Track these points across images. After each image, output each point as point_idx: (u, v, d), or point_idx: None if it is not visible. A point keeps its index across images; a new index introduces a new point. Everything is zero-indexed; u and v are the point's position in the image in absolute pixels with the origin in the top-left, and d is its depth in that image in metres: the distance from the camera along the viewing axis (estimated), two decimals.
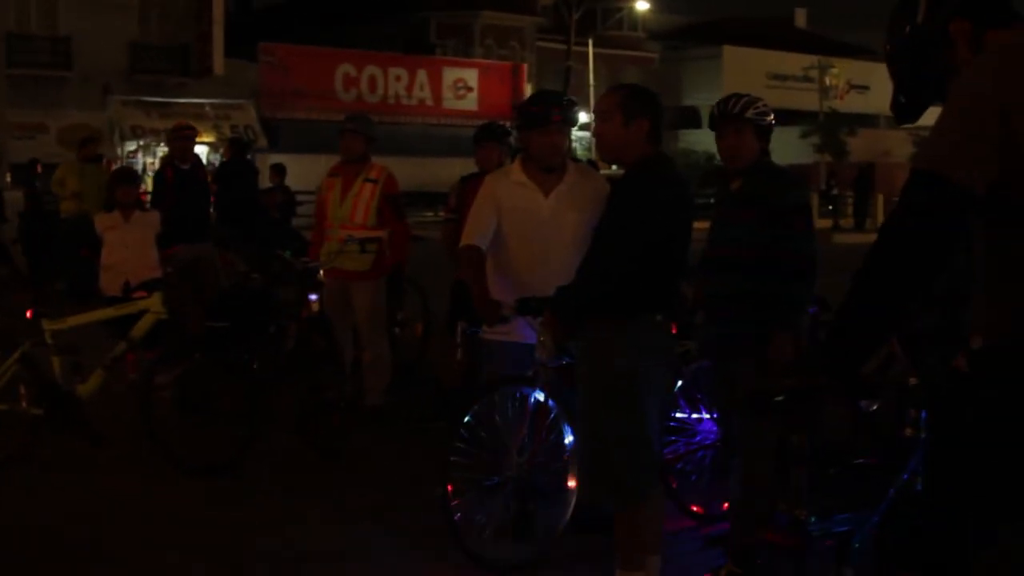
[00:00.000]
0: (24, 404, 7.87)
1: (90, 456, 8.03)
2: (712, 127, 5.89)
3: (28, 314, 8.05)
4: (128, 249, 9.96)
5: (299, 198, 22.26)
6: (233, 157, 15.58)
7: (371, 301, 9.24)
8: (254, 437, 7.71)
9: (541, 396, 5.89)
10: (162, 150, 40.43)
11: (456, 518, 5.87)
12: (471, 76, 51.51)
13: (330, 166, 9.72)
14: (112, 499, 7.27)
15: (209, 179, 14.01)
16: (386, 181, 9.22)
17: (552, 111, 6.18)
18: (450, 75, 50.88)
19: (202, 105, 42.10)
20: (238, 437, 7.73)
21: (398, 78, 48.98)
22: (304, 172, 27.28)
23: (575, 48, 53.54)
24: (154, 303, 8.14)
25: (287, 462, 8.05)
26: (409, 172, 26.55)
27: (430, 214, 37.55)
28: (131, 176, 10.79)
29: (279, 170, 20.74)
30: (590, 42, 52.71)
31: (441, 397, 8.93)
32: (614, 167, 6.03)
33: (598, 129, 5.54)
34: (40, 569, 6.19)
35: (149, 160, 40.06)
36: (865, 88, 60.66)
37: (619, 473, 5.26)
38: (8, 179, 31.23)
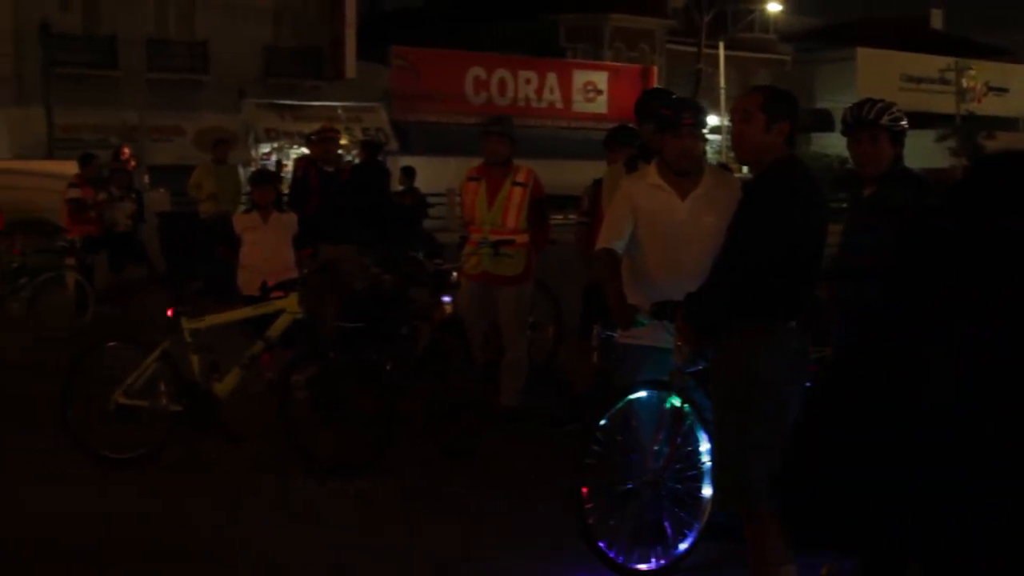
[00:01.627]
0: (163, 401, 8.02)
1: (225, 453, 8.16)
2: (845, 132, 5.79)
3: (168, 313, 8.20)
4: (266, 249, 10.09)
5: (429, 200, 22.43)
6: (367, 159, 15.71)
7: (518, 304, 9.26)
8: (387, 438, 7.75)
9: (677, 401, 5.83)
10: (295, 152, 41.08)
11: (589, 522, 5.84)
12: (601, 79, 51.38)
13: (465, 169, 9.75)
14: (246, 495, 7.37)
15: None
16: (535, 184, 9.25)
17: (683, 115, 6.12)
18: (580, 78, 50.80)
19: (334, 108, 42.60)
20: (371, 437, 7.78)
21: (528, 81, 49.04)
22: (434, 175, 27.49)
23: (705, 51, 53.16)
24: (291, 303, 8.23)
25: (418, 462, 8.08)
26: (539, 175, 26.56)
27: (559, 217, 37.46)
28: (269, 177, 10.93)
29: (408, 173, 20.91)
30: (721, 45, 52.29)
31: (572, 400, 8.91)
32: (745, 169, 5.96)
33: (737, 130, 5.47)
34: (187, 555, 6.32)
35: (283, 162, 40.70)
36: (1004, 91, 59.33)
37: (752, 481, 5.17)
38: (147, 180, 31.93)
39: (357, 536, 6.71)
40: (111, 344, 8.32)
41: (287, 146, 40.84)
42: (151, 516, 6.96)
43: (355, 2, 45.40)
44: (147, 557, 6.32)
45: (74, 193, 15.83)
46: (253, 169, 35.11)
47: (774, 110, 5.28)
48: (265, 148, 41.04)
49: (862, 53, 58.78)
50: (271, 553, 6.40)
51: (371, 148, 17.09)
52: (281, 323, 8.21)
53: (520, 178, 9.22)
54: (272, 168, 31.07)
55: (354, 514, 7.09)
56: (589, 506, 5.85)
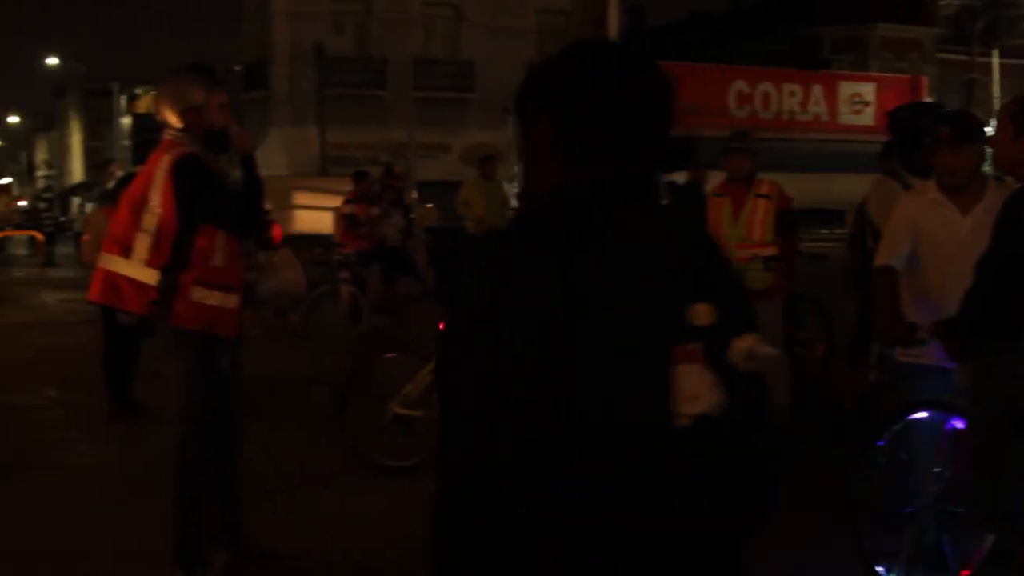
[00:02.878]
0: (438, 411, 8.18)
1: None
2: None
3: (441, 326, 8.36)
4: None
5: None
6: None
7: (771, 320, 9.13)
8: None
9: (960, 424, 5.64)
10: None
11: (866, 545, 5.71)
12: (868, 90, 50.24)
13: (714, 185, 9.70)
14: None
15: None
16: (779, 196, 9.12)
17: (940, 129, 5.92)
18: (846, 90, 49.81)
19: None
20: None
21: (792, 94, 48.35)
22: None
23: (978, 59, 51.35)
24: None
25: None
26: (803, 188, 26.11)
27: (824, 231, 36.83)
28: None
29: (671, 187, 20.85)
30: (994, 52, 50.43)
31: (841, 420, 8.72)
32: None
33: (990, 140, 5.30)
34: None
35: None
36: None
37: (1013, 506, 4.98)
38: (415, 196, 32.77)
39: None
40: (388, 355, 8.54)
41: None
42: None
43: (618, 18, 45.58)
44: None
45: (349, 209, 16.39)
46: (518, 186, 35.68)
47: (1022, 120, 5.07)
48: None
49: None
50: None
51: None
52: None
53: (764, 190, 9.10)
54: None
55: None
56: (865, 528, 5.72)
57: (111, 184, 16.72)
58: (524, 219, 2.27)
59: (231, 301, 5.73)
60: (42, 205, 73.82)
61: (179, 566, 5.78)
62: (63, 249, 39.03)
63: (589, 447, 2.02)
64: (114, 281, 5.57)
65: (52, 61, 68.49)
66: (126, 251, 5.56)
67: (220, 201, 5.69)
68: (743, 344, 2.10)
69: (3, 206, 52.47)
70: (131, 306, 5.59)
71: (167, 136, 5.77)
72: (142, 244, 5.53)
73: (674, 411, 2.00)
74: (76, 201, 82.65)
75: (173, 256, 5.54)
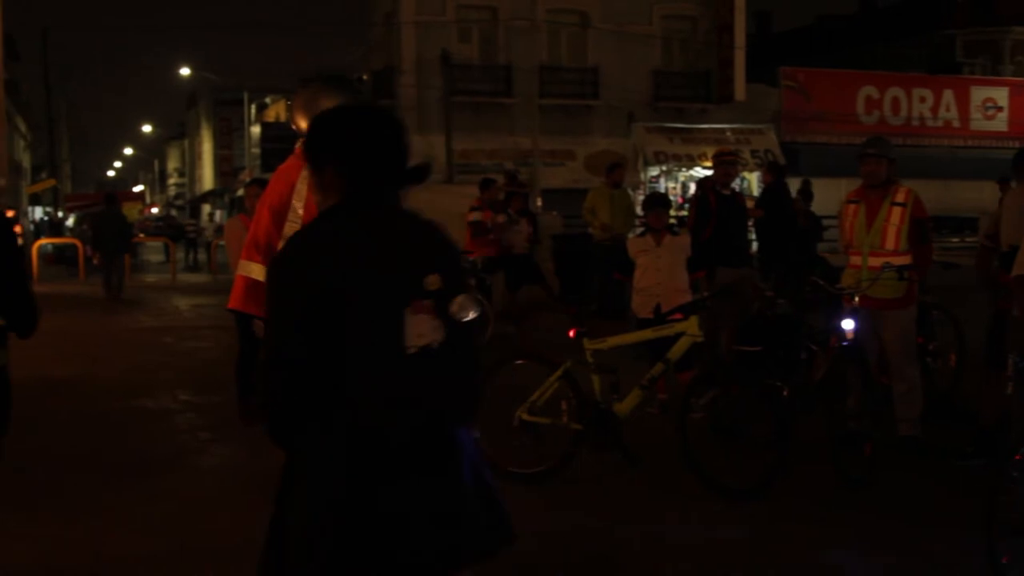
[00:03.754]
0: (565, 419, 8.22)
1: (622, 472, 8.30)
2: None
3: (571, 333, 8.40)
4: (660, 272, 10.20)
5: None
6: (774, 181, 15.54)
7: (903, 329, 9.00)
8: (782, 463, 7.67)
9: None
10: (683, 175, 41.32)
11: (1004, 561, 5.60)
12: (1001, 95, 49.09)
13: (848, 191, 9.55)
14: (635, 514, 7.46)
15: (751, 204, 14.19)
16: (915, 204, 8.96)
17: None
18: (978, 95, 48.69)
19: (723, 130, 42.61)
20: (766, 462, 7.72)
21: (922, 99, 47.43)
22: (824, 196, 26.94)
23: None
24: (691, 326, 8.26)
25: (811, 489, 7.97)
26: (934, 196, 25.68)
27: (955, 240, 36.17)
28: (662, 200, 11.01)
29: (806, 195, 20.68)
30: None
31: (979, 433, 8.54)
32: None
33: None
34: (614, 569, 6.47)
35: (671, 185, 41.00)
36: None
37: None
38: (539, 203, 32.85)
39: (748, 555, 6.68)
40: (519, 362, 8.57)
41: (675, 169, 41.13)
42: (561, 531, 7.14)
43: (744, 24, 45.29)
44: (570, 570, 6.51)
45: (475, 216, 16.48)
46: (642, 192, 35.61)
47: None
48: (654, 171, 41.46)
49: None
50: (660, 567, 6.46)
51: (778, 169, 16.96)
52: (681, 345, 8.26)
53: (899, 198, 8.95)
54: (663, 191, 31.35)
55: (745, 537, 7.03)
56: (1000, 544, 5.61)
57: (241, 192, 16.99)
58: (320, 217, 3.47)
59: None
60: (175, 212, 75.39)
61: None
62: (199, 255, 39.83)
63: (361, 357, 3.27)
64: (256, 289, 5.66)
65: (184, 72, 69.82)
66: (267, 259, 5.65)
67: None
68: (457, 301, 3.35)
69: (136, 213, 53.72)
70: None
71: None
72: None
73: (406, 343, 3.28)
74: (206, 208, 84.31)
75: None
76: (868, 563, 6.60)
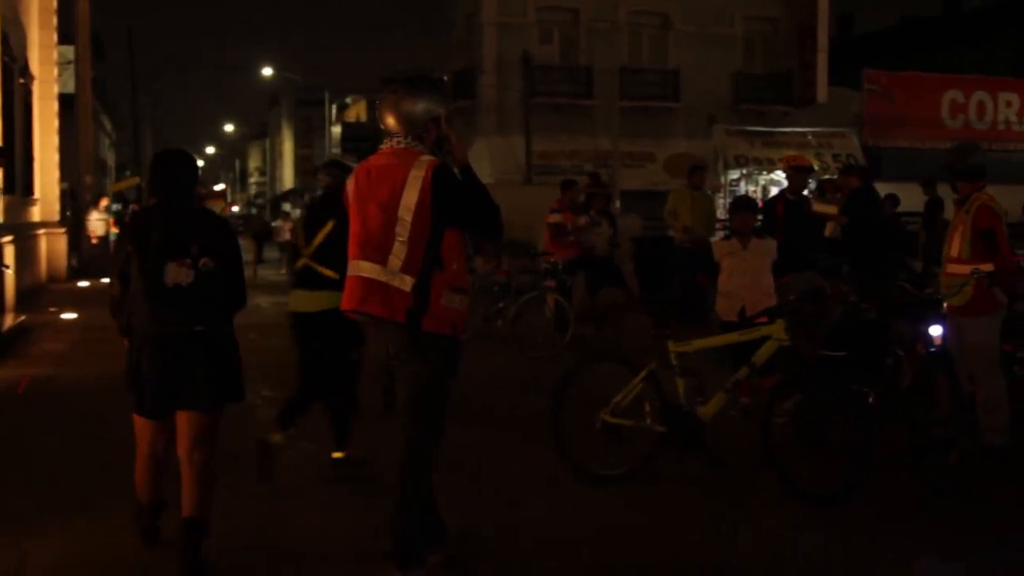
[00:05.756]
0: (648, 421, 8.20)
1: (704, 475, 8.27)
2: None
3: (655, 336, 8.37)
4: (745, 276, 10.15)
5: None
6: (863, 186, 15.36)
7: (983, 337, 8.89)
8: (865, 469, 7.60)
9: None
10: (764, 179, 41.02)
11: None
12: None
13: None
14: (721, 516, 7.42)
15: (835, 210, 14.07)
16: (976, 213, 8.87)
17: None
18: None
19: (804, 134, 42.27)
20: (850, 468, 7.65)
21: (1008, 103, 46.64)
22: (907, 202, 26.64)
23: None
24: (777, 330, 8.21)
25: (896, 496, 7.88)
26: (1020, 201, 25.28)
27: None
28: (749, 204, 10.95)
29: (894, 200, 20.54)
30: None
31: None
32: None
33: None
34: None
35: (751, 188, 40.72)
36: None
37: None
38: (618, 205, 32.77)
39: (823, 562, 6.63)
40: (602, 364, 8.56)
41: (755, 172, 40.86)
42: (639, 531, 7.13)
43: (827, 26, 44.93)
44: (640, 572, 6.50)
45: (555, 218, 16.47)
46: (722, 196, 35.44)
47: None
48: (734, 174, 41.22)
49: None
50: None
51: (865, 173, 16.80)
52: (767, 350, 8.21)
53: (972, 206, 8.88)
54: (744, 194, 31.18)
55: (821, 544, 6.97)
56: None
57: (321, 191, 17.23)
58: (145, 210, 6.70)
59: (466, 303, 5.86)
60: (254, 211, 76.06)
61: (395, 565, 5.87)
62: (271, 254, 40.10)
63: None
64: (371, 288, 5.70)
65: (266, 72, 70.55)
66: (382, 259, 5.68)
67: (477, 207, 5.81)
68: (203, 261, 6.12)
69: (218, 211, 54.25)
70: (390, 313, 5.68)
71: (396, 144, 5.87)
72: (398, 251, 5.66)
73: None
74: (286, 207, 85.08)
75: (426, 262, 5.66)
76: (951, 570, 6.52)
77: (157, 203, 6.32)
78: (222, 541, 6.57)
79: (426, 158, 5.74)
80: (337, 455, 8.57)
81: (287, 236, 38.64)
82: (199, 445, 6.31)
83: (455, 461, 7.92)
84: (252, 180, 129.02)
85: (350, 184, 5.96)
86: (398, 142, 5.86)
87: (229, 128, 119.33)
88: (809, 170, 12.25)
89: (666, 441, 8.15)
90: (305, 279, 8.44)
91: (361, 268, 5.75)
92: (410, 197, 5.62)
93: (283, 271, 35.76)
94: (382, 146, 5.97)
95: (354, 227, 5.86)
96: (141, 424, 6.44)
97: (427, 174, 5.64)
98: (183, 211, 6.26)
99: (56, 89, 30.94)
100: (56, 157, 30.37)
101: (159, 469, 6.56)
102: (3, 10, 22.52)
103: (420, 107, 5.85)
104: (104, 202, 36.20)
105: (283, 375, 13.01)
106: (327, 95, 70.48)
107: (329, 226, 8.14)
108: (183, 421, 6.29)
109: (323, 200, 8.67)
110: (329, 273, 8.02)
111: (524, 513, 7.53)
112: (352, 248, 5.83)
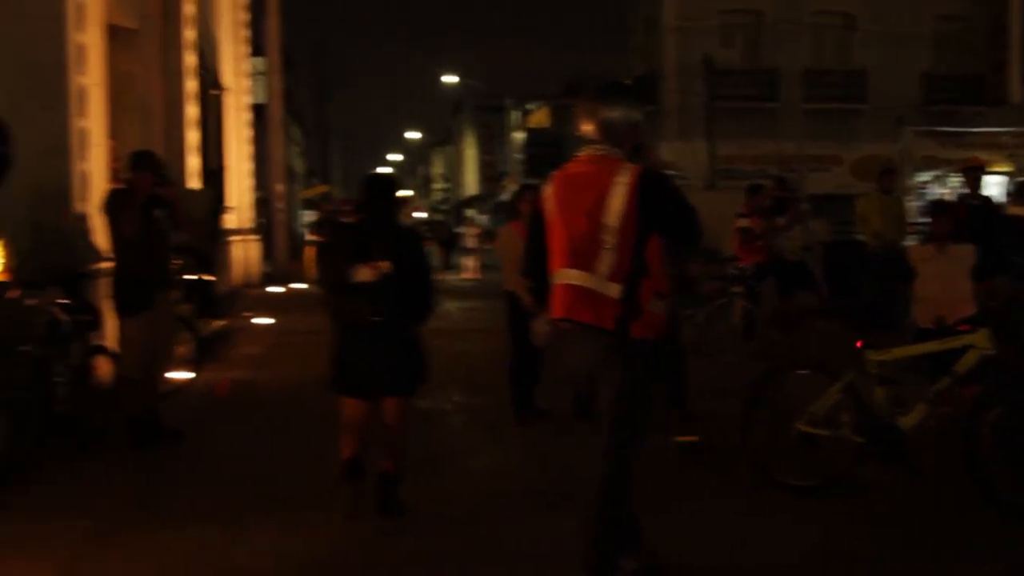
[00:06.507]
0: (846, 431, 8.02)
1: (904, 488, 8.08)
2: None
3: (857, 344, 8.19)
4: (943, 282, 9.89)
5: None
6: None
7: None
8: None
9: None
10: (953, 181, 39.93)
11: None
12: None
13: None
14: (914, 530, 7.25)
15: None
16: None
17: None
18: None
19: (997, 134, 41.00)
20: None
21: None
22: None
23: None
24: (980, 339, 7.97)
25: None
26: None
27: None
28: (947, 208, 10.68)
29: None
30: None
31: None
32: None
33: None
34: None
35: (943, 191, 39.66)
36: None
37: None
38: (806, 207, 32.21)
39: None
40: (800, 372, 8.43)
41: (947, 175, 39.78)
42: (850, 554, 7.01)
43: (1020, 23, 43.57)
44: None
45: (743, 223, 16.28)
46: (910, 198, 34.60)
47: None
48: (923, 177, 40.20)
49: None
50: None
51: None
52: (970, 359, 7.97)
53: None
54: (935, 198, 30.34)
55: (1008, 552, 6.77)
56: None
57: (505, 197, 17.27)
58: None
59: (664, 308, 5.85)
60: (439, 217, 77.03)
61: (586, 571, 5.87)
62: (457, 259, 40.63)
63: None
64: (580, 296, 5.73)
65: (450, 79, 71.35)
66: (589, 266, 5.70)
67: (682, 212, 5.81)
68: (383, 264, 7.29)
69: (405, 218, 55.12)
70: (600, 321, 5.70)
71: (595, 152, 5.87)
72: (606, 258, 5.67)
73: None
74: (469, 213, 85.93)
75: (633, 268, 5.66)
76: None
77: (363, 219, 7.54)
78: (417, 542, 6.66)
79: (630, 164, 5.74)
80: (682, 439, 8.95)
81: (472, 243, 39.24)
82: (392, 422, 7.62)
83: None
84: (436, 186, 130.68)
85: (548, 192, 5.98)
86: (597, 149, 5.86)
87: (413, 135, 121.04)
88: (979, 169, 11.86)
89: (865, 452, 7.97)
90: None
91: (569, 276, 5.77)
92: (617, 204, 5.61)
93: (467, 275, 36.27)
94: (578, 153, 5.97)
95: (557, 235, 5.86)
96: (342, 399, 7.65)
97: (634, 180, 5.63)
98: (381, 223, 7.47)
99: (248, 100, 31.76)
100: (250, 166, 31.17)
101: (356, 436, 7.61)
102: (199, 28, 23.23)
103: (618, 114, 5.84)
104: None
105: (475, 381, 13.19)
106: (507, 102, 71.00)
107: None
108: (381, 401, 7.61)
109: None
110: None
111: (715, 524, 7.47)
112: (556, 256, 5.85)
